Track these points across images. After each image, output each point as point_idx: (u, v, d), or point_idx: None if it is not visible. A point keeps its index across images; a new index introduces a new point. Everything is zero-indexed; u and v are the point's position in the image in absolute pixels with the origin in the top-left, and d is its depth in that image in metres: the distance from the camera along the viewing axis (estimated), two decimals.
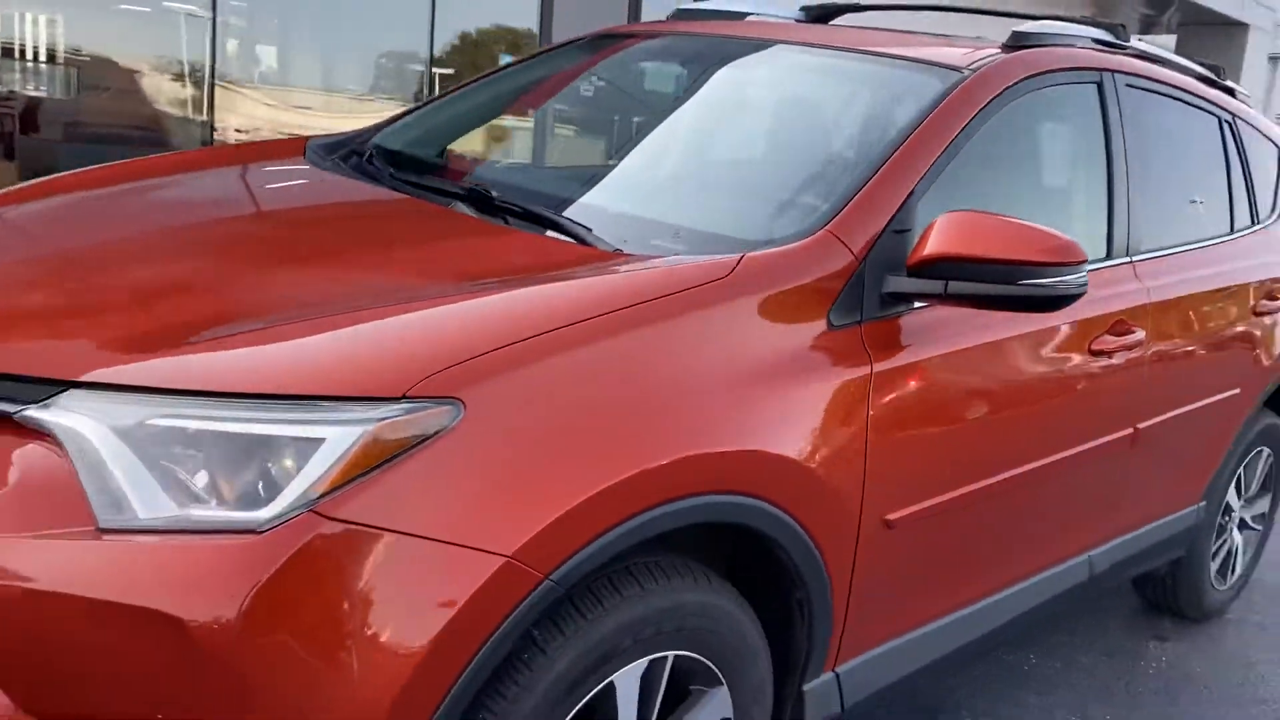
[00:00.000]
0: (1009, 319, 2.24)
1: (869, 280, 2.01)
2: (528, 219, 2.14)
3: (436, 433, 1.47)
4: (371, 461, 1.44)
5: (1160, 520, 3.14)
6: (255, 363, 1.54)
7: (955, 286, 2.01)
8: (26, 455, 1.49)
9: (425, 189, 2.37)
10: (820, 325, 1.95)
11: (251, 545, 1.39)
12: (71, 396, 1.50)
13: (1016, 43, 2.62)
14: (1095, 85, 2.77)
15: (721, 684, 1.88)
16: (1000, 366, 2.33)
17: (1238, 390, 3.29)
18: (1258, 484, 3.75)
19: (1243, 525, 3.73)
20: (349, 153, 2.69)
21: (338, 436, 1.44)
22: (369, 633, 1.41)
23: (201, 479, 1.44)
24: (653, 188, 2.56)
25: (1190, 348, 3.01)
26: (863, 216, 2.06)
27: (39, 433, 1.49)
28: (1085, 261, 2.04)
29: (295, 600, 1.40)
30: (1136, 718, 3.06)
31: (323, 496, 1.42)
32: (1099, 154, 2.80)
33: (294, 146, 2.79)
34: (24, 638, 1.41)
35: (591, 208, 2.31)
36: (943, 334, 2.15)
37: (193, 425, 1.46)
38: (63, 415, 1.48)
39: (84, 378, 1.51)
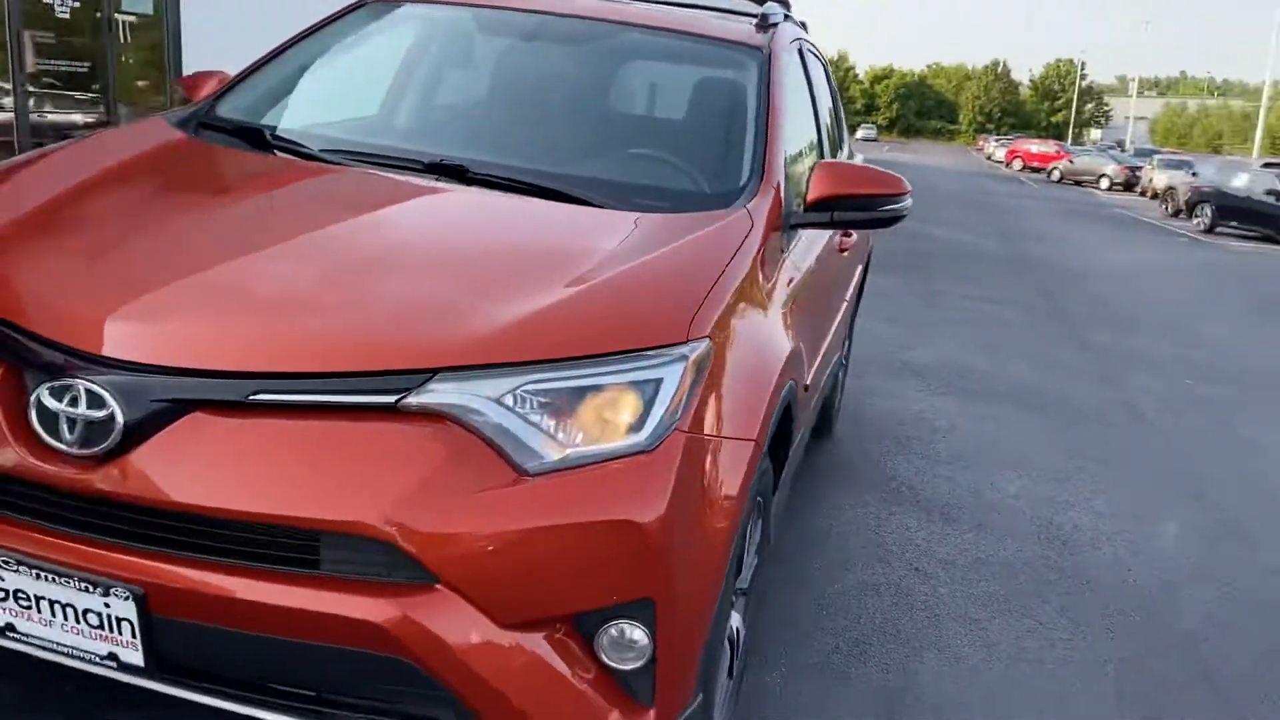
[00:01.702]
0: (820, 234, 3.19)
1: (786, 215, 2.70)
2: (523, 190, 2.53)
3: (705, 362, 1.95)
4: (685, 390, 1.88)
5: (839, 352, 4.43)
6: (584, 329, 1.92)
7: (839, 215, 2.79)
8: (411, 434, 1.76)
9: (397, 165, 2.63)
10: (778, 238, 2.66)
11: (651, 460, 1.82)
12: (441, 380, 1.77)
13: (764, 22, 3.39)
14: (798, 49, 3.63)
15: None
16: (827, 258, 3.44)
17: (860, 265, 4.96)
18: None
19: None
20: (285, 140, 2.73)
21: (670, 374, 1.88)
22: (718, 498, 1.95)
23: (570, 423, 1.81)
24: (574, 154, 2.93)
25: (852, 242, 4.12)
26: (775, 173, 2.69)
27: (402, 416, 1.75)
28: (910, 191, 2.81)
29: (684, 488, 1.84)
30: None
31: (673, 418, 1.84)
32: (808, 100, 3.66)
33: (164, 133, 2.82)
34: (506, 569, 1.74)
35: (560, 176, 2.62)
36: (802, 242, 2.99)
37: (553, 385, 1.82)
38: (445, 396, 1.76)
39: (448, 365, 1.79)
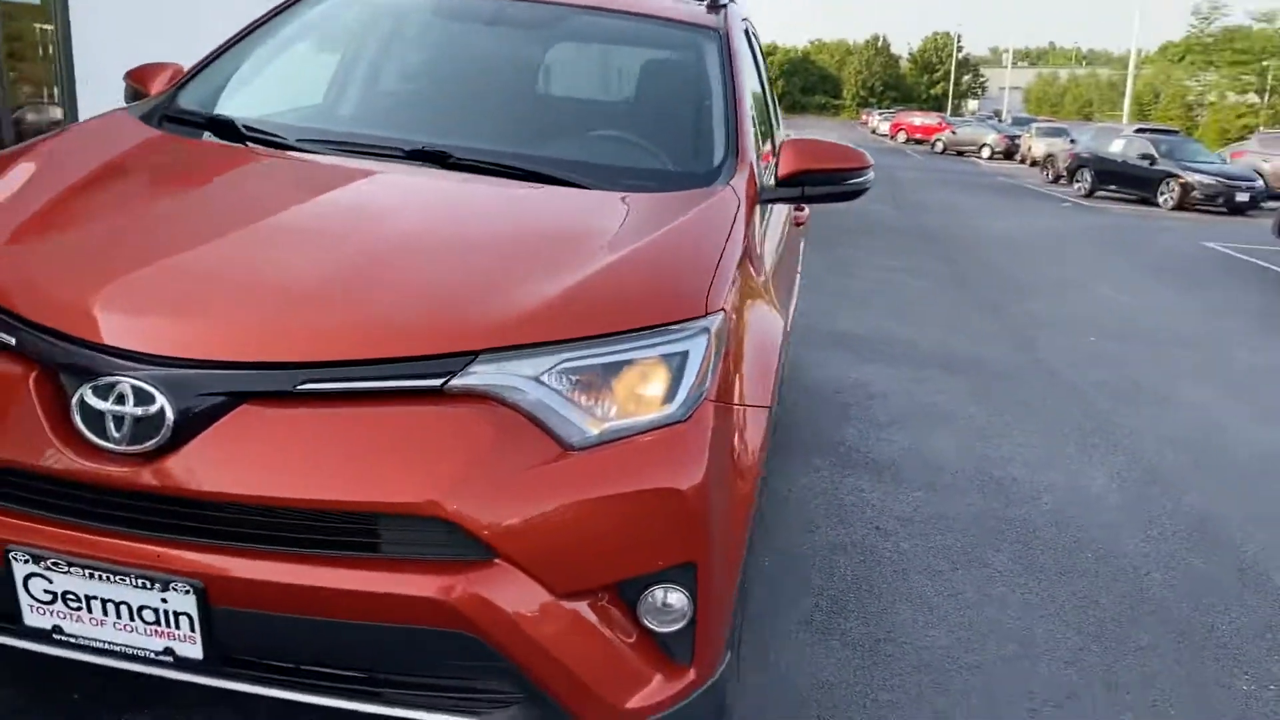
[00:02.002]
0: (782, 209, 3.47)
1: (760, 191, 2.81)
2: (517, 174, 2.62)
3: (724, 333, 2.05)
4: (710, 361, 1.98)
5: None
6: (611, 307, 2.00)
7: (809, 190, 2.89)
8: (458, 416, 1.82)
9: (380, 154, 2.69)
10: (756, 214, 2.78)
11: (685, 429, 1.92)
12: (482, 361, 1.83)
13: (714, 3, 3.53)
14: (745, 29, 3.72)
15: None
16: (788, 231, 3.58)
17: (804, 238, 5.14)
18: None
19: None
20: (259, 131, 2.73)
21: (695, 346, 1.97)
22: (743, 462, 2.07)
23: (606, 398, 1.89)
24: (546, 138, 3.00)
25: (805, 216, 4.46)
26: (748, 151, 2.83)
27: (449, 398, 1.81)
28: (872, 165, 2.93)
29: (716, 454, 1.93)
30: None
31: (701, 388, 1.94)
32: (757, 79, 3.79)
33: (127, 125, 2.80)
34: (559, 540, 1.81)
35: (541, 159, 2.71)
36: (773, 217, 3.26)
37: (587, 362, 1.89)
38: (488, 377, 1.83)
39: (488, 346, 1.85)
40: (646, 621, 1.93)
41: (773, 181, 2.87)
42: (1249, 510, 4.52)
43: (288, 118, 3.01)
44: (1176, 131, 27.18)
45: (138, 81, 3.17)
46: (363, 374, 1.81)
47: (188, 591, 1.75)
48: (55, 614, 1.82)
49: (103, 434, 1.76)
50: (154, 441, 1.75)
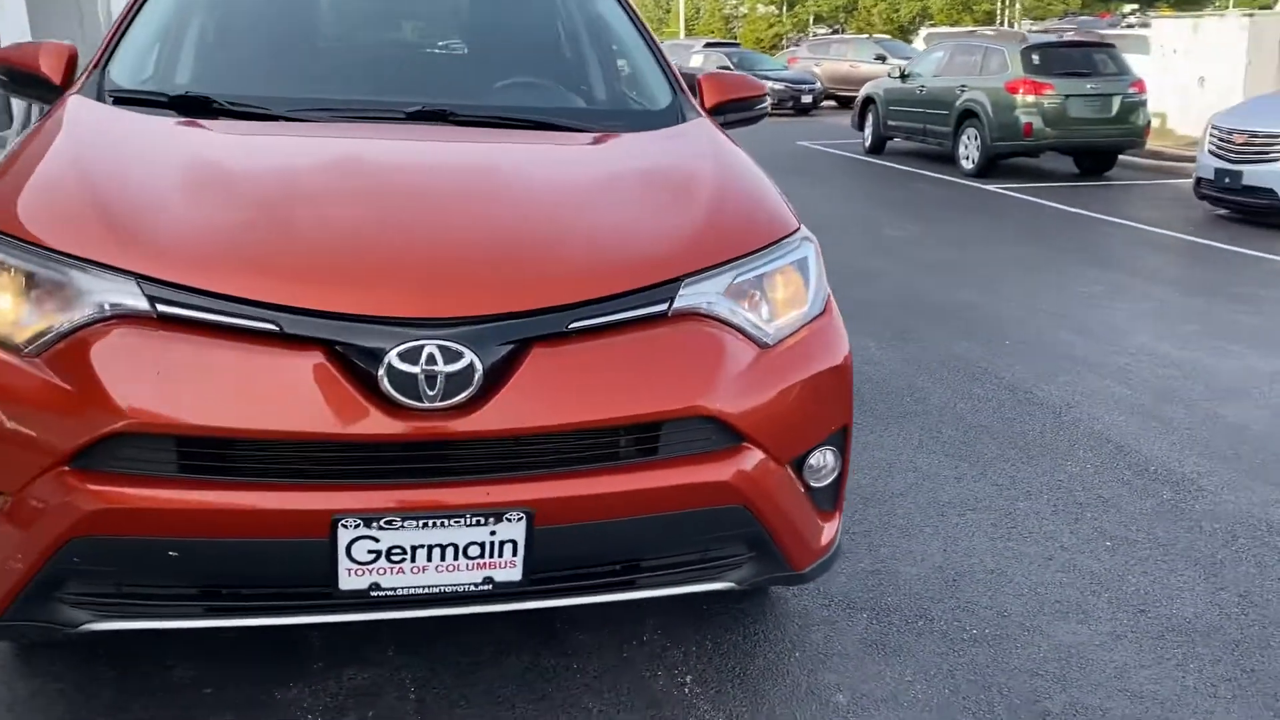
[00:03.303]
0: None
1: None
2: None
3: None
4: (820, 261, 2.48)
5: None
6: (745, 230, 2.41)
7: (729, 117, 3.31)
8: (685, 331, 2.18)
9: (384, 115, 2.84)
10: None
11: (827, 317, 2.45)
12: (686, 285, 2.18)
13: None
14: None
15: None
16: None
17: None
18: None
19: None
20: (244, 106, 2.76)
21: (809, 252, 2.47)
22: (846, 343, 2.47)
23: (770, 301, 2.32)
24: (505, 88, 3.20)
25: None
26: (683, 86, 3.25)
27: (673, 319, 2.16)
28: (768, 91, 3.51)
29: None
30: None
31: (821, 283, 2.47)
32: None
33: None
34: (780, 420, 2.23)
35: (530, 109, 3.02)
36: None
37: (748, 276, 2.30)
38: (693, 299, 2.19)
39: (687, 272, 2.21)
40: (808, 479, 2.39)
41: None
42: (929, 320, 5.68)
43: (256, 85, 2.97)
44: (739, 44, 30.03)
45: (17, 64, 2.96)
46: (613, 308, 2.10)
47: (519, 519, 1.98)
48: (375, 571, 1.97)
49: (414, 395, 1.92)
50: (467, 393, 1.94)
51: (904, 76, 14.83)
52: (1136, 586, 3.16)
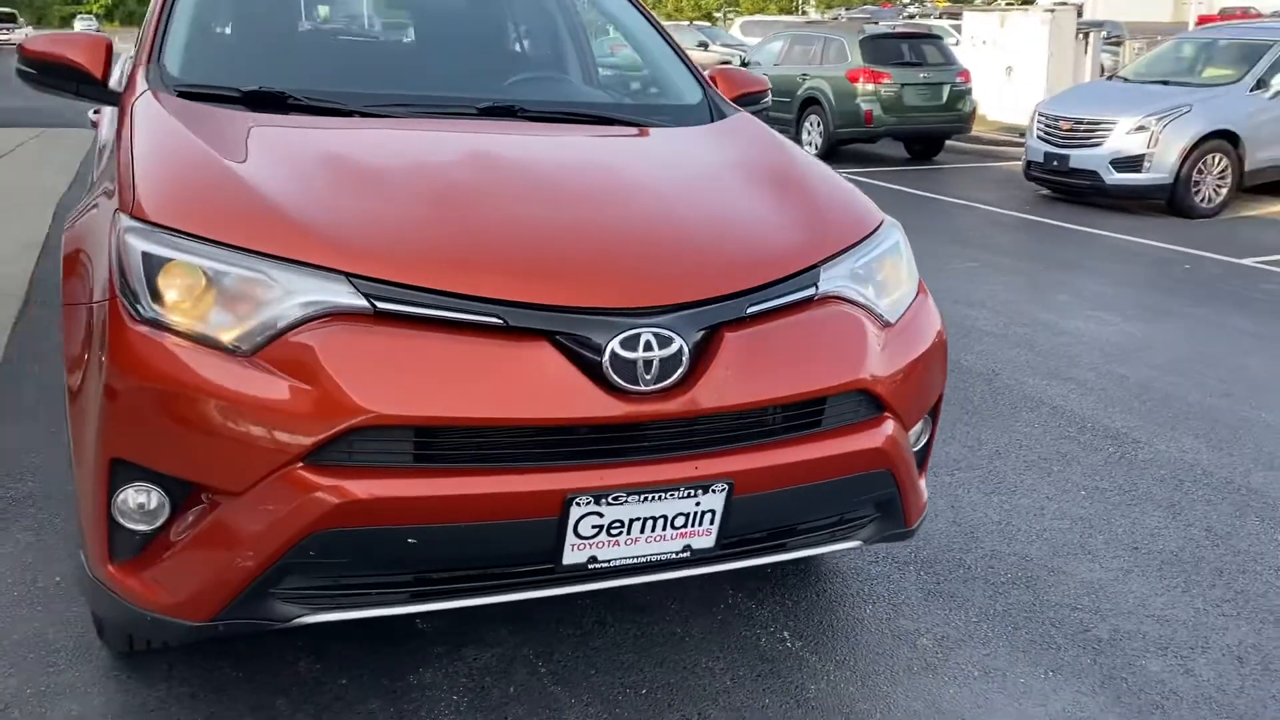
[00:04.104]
0: None
1: None
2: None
3: None
4: (909, 247, 2.71)
5: None
6: (849, 220, 2.66)
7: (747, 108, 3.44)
8: (829, 313, 2.38)
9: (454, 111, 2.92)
10: None
11: (925, 297, 2.70)
12: (824, 270, 2.38)
13: None
14: None
15: None
16: None
17: None
18: None
19: None
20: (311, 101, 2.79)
21: (900, 238, 2.71)
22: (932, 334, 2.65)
23: (880, 284, 2.53)
24: (549, 84, 3.37)
25: None
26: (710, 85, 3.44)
27: (817, 302, 2.36)
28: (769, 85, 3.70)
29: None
30: None
31: (913, 265, 2.68)
32: None
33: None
34: (908, 390, 2.45)
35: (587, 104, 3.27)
36: None
37: (862, 261, 2.51)
38: (830, 283, 2.41)
39: (822, 259, 2.43)
40: (914, 443, 2.64)
41: None
42: None
43: (323, 81, 2.96)
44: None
45: (52, 57, 2.85)
46: (776, 293, 2.29)
47: (721, 490, 2.13)
48: (594, 545, 2.09)
49: (631, 379, 2.04)
50: (677, 374, 2.08)
51: (744, 65, 15.36)
52: (1122, 528, 3.58)
